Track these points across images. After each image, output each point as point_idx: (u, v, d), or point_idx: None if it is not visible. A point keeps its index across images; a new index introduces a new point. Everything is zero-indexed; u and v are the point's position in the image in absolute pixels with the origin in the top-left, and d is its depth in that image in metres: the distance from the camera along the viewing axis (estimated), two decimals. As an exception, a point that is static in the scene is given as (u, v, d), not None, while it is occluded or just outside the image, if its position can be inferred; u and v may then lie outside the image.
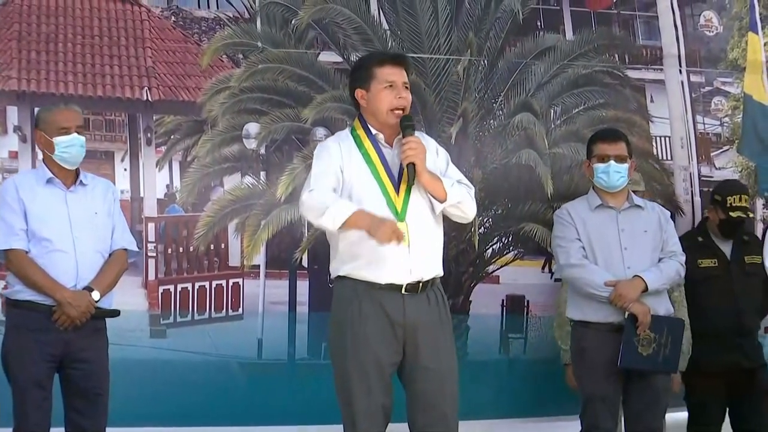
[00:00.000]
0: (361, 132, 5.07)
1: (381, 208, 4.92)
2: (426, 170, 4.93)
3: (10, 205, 5.45)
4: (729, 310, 6.53)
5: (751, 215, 6.83)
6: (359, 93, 5.09)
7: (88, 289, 5.41)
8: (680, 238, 7.13)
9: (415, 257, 4.96)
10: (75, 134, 5.49)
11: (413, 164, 4.90)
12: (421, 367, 4.98)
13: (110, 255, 5.59)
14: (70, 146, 5.49)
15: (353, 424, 4.96)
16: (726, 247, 6.71)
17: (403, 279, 4.94)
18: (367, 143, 5.05)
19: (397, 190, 4.98)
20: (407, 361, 4.99)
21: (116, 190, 5.84)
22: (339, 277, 5.04)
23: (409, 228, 4.93)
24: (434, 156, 5.12)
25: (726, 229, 6.72)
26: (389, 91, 5.01)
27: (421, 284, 4.98)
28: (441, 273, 5.11)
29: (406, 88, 5.07)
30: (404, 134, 4.97)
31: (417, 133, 5.10)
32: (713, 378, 6.53)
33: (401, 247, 4.88)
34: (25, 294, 5.40)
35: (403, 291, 4.94)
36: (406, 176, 4.96)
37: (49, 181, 5.52)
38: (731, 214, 6.67)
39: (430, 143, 5.16)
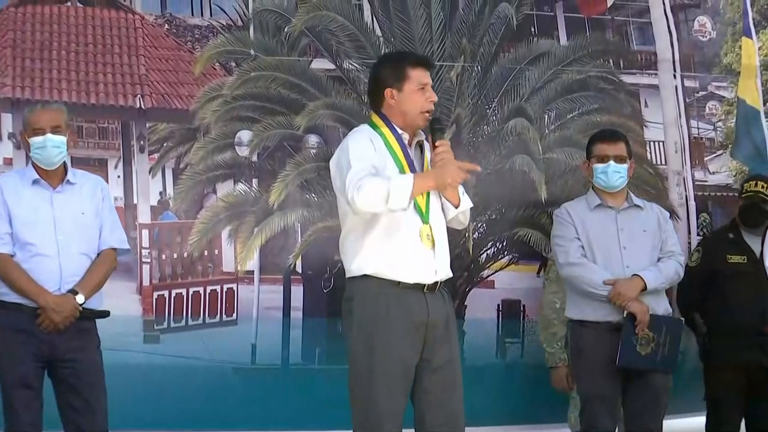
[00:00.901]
0: (386, 130, 5.03)
1: (408, 209, 4.92)
2: None
3: None
4: (755, 307, 6.47)
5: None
6: (389, 92, 5.04)
7: (73, 292, 5.40)
8: (711, 234, 7.27)
9: (439, 258, 5.00)
10: (48, 135, 5.45)
11: None
12: (436, 365, 5.00)
13: (99, 255, 5.58)
14: (41, 147, 5.46)
15: (378, 425, 4.93)
16: (756, 246, 6.65)
17: (429, 279, 4.97)
18: (394, 142, 5.03)
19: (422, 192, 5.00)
20: (422, 359, 5.00)
21: (105, 187, 5.77)
22: (364, 276, 4.99)
23: (433, 229, 4.98)
24: None
25: (745, 217, 6.66)
26: (422, 93, 5.01)
27: (438, 283, 5.02)
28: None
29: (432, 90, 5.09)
30: (435, 137, 4.97)
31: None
32: (733, 375, 6.49)
33: (428, 249, 4.95)
34: (12, 296, 5.41)
35: (425, 290, 4.97)
36: None
37: (35, 182, 5.50)
38: (744, 196, 6.66)
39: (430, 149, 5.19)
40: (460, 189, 5.07)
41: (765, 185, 6.68)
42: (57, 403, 5.50)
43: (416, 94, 5.02)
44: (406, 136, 5.06)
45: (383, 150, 4.98)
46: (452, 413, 5.04)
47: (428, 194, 5.00)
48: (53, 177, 5.54)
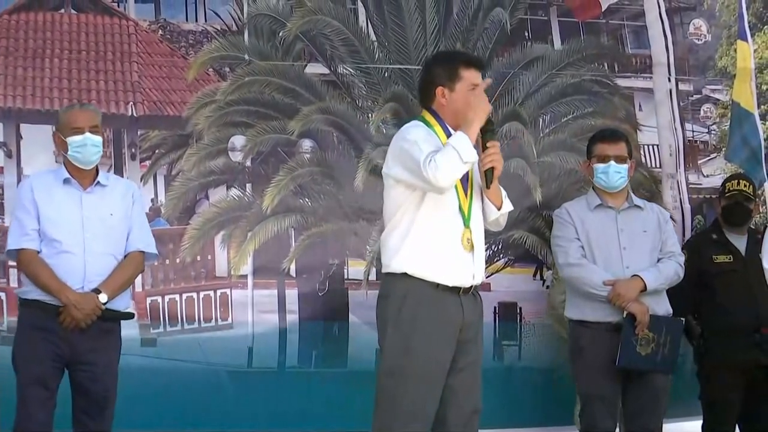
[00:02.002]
0: (438, 129, 5.04)
1: (452, 211, 4.98)
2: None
3: (24, 206, 5.51)
4: (747, 306, 6.46)
5: (751, 198, 6.69)
6: (441, 91, 5.06)
7: (96, 291, 5.43)
8: (695, 236, 7.21)
9: (477, 262, 5.03)
10: (88, 134, 5.50)
11: (492, 169, 4.97)
12: (462, 365, 5.03)
13: (126, 256, 5.62)
14: (81, 146, 5.51)
15: (400, 426, 4.94)
16: (740, 244, 6.66)
17: (467, 283, 5.00)
18: (445, 141, 5.02)
19: (466, 193, 5.03)
20: (453, 357, 5.04)
21: (138, 191, 5.84)
22: (403, 274, 4.99)
23: (473, 233, 5.01)
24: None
25: (728, 216, 6.68)
26: (473, 94, 5.01)
27: (473, 286, 5.05)
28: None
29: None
30: (486, 138, 4.97)
31: None
32: (730, 375, 6.49)
33: (467, 253, 4.97)
34: (35, 294, 5.45)
35: (460, 293, 5.00)
36: (471, 179, 5.04)
37: (66, 181, 5.56)
38: (726, 195, 6.67)
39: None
40: (503, 192, 5.11)
41: (746, 183, 6.71)
42: (71, 402, 5.54)
43: (468, 95, 5.01)
44: None
45: (439, 146, 4.98)
46: (471, 412, 5.07)
47: (471, 197, 5.04)
48: (85, 178, 5.59)
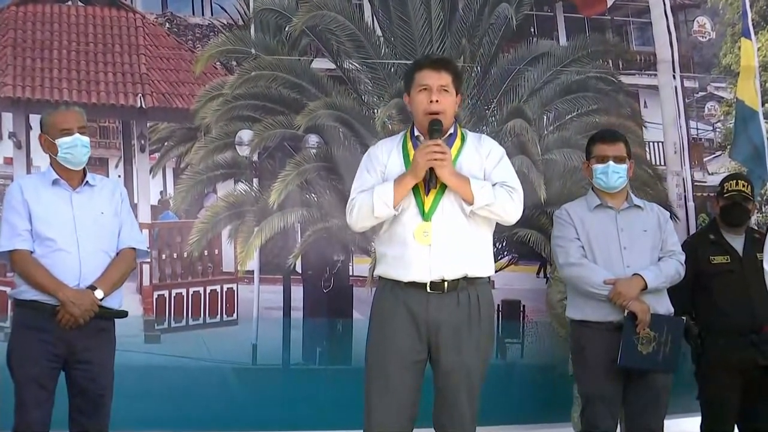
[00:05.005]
0: (408, 134, 5.19)
1: (410, 207, 5.02)
2: (450, 173, 5.00)
3: (14, 208, 5.48)
4: (743, 306, 6.44)
5: (749, 198, 6.63)
6: (405, 98, 5.23)
7: (92, 287, 5.41)
8: (692, 237, 7.14)
9: (436, 256, 5.01)
10: (77, 135, 5.51)
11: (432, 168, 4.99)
12: (445, 369, 5.06)
13: (118, 254, 5.60)
14: (72, 147, 5.51)
15: (368, 419, 5.04)
16: (737, 244, 6.64)
17: (425, 277, 5.00)
18: (409, 145, 5.15)
19: (427, 191, 5.03)
20: (432, 359, 5.08)
21: (124, 190, 5.81)
22: (378, 276, 5.18)
23: (433, 228, 5.01)
24: (481, 159, 5.16)
25: (727, 217, 6.66)
26: (423, 94, 5.08)
27: (446, 283, 5.03)
28: (476, 273, 5.11)
29: (445, 91, 5.10)
30: (430, 137, 5.03)
31: (473, 135, 5.25)
32: (728, 375, 6.46)
33: (423, 247, 4.99)
34: (30, 294, 5.42)
35: (428, 289, 5.01)
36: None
37: (54, 182, 5.54)
38: (725, 196, 6.65)
39: (484, 145, 5.23)
40: (478, 185, 5.02)
41: (745, 184, 6.68)
42: (68, 401, 5.51)
43: (418, 96, 5.12)
44: (423, 139, 5.13)
45: (395, 152, 5.13)
46: (460, 414, 5.09)
47: (439, 193, 5.04)
48: (73, 178, 5.58)
